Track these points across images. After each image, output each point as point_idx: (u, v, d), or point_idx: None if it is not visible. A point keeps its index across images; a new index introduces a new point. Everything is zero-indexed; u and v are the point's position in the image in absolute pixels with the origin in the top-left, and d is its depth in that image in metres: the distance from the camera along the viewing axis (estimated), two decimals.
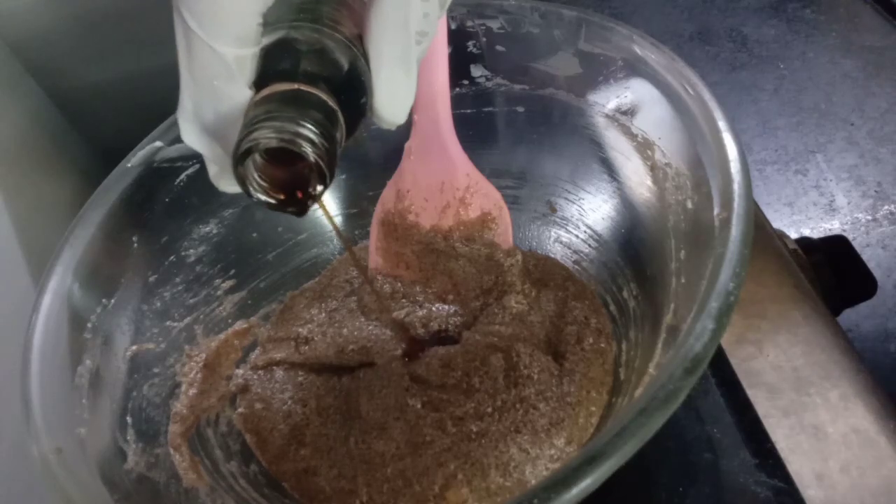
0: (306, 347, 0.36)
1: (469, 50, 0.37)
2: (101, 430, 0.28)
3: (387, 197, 0.37)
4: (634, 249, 0.33)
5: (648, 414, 0.20)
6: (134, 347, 0.32)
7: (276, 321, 0.39)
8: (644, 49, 0.31)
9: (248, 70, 0.20)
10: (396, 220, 0.37)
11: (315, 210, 0.40)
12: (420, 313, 0.37)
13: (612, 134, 0.34)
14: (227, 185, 0.24)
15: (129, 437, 0.29)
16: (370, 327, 0.37)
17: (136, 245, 0.33)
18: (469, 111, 0.38)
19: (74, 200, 0.40)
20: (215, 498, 0.29)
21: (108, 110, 0.44)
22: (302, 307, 0.39)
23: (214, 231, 0.37)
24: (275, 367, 0.36)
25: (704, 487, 0.30)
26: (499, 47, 0.37)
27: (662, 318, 0.28)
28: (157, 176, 0.34)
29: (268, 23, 0.20)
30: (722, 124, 0.26)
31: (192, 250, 0.36)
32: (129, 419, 0.30)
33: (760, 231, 0.38)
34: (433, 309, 0.37)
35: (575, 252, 0.38)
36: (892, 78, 0.66)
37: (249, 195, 0.21)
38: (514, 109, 0.38)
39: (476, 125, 0.38)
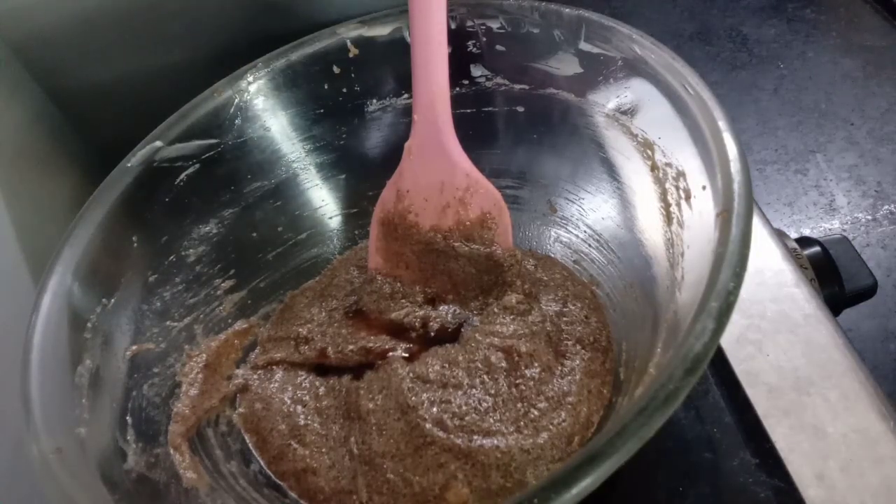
0: (306, 347, 0.36)
1: (469, 50, 0.37)
2: (101, 430, 0.28)
3: (387, 197, 0.37)
4: (634, 249, 0.34)
5: (648, 414, 0.20)
6: (134, 347, 0.32)
7: (276, 321, 0.39)
8: (644, 49, 0.31)
9: None
10: (396, 220, 0.37)
11: (315, 210, 0.41)
12: (420, 313, 0.37)
13: (613, 134, 0.34)
14: None
15: (129, 437, 0.29)
16: (370, 327, 0.37)
17: (136, 245, 0.33)
18: (469, 111, 0.38)
19: (74, 200, 0.40)
20: (215, 498, 0.29)
21: (108, 110, 0.44)
22: (302, 307, 0.39)
23: (214, 231, 0.37)
24: (275, 367, 0.36)
25: (704, 487, 0.30)
26: (499, 47, 0.37)
27: (662, 317, 0.28)
28: (157, 176, 0.34)
29: None
30: (722, 124, 0.26)
31: (192, 250, 0.36)
32: (129, 419, 0.30)
33: (760, 231, 0.38)
34: (433, 309, 0.37)
35: (575, 252, 0.38)
36: (892, 78, 0.66)
37: None
38: (514, 109, 0.38)
39: (476, 125, 0.38)
